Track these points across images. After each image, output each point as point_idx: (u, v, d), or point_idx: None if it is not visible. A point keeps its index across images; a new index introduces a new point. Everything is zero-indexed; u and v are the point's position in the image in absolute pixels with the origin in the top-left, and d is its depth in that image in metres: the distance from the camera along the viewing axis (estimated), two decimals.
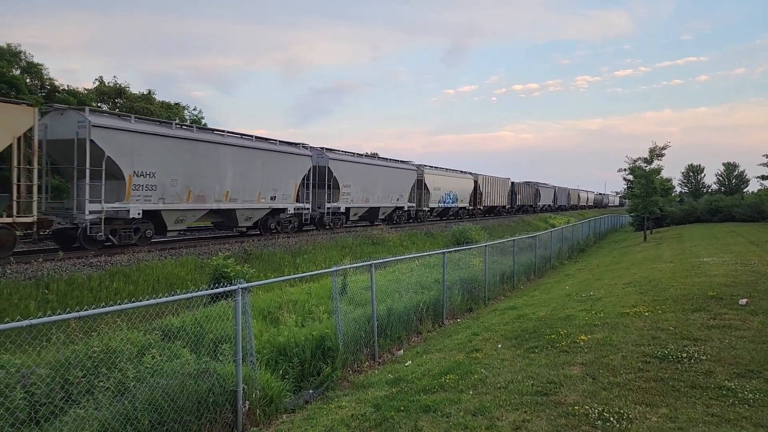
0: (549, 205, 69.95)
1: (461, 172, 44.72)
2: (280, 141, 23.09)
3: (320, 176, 25.28)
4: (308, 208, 24.45)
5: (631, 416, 4.64)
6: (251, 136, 21.65)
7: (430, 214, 38.95)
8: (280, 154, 22.53)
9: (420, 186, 37.17)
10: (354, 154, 30.54)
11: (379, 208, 31.74)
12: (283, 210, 23.07)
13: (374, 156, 41.81)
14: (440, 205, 39.89)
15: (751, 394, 4.99)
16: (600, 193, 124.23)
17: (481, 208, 47.73)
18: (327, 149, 27.13)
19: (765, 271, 12.06)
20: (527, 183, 61.27)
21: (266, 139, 22.64)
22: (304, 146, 24.67)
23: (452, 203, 41.93)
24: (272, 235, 22.50)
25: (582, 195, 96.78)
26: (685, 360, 5.97)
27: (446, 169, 42.57)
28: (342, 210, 28.01)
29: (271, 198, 21.93)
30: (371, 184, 30.18)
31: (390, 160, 34.97)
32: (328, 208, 26.50)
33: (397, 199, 34.24)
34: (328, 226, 26.51)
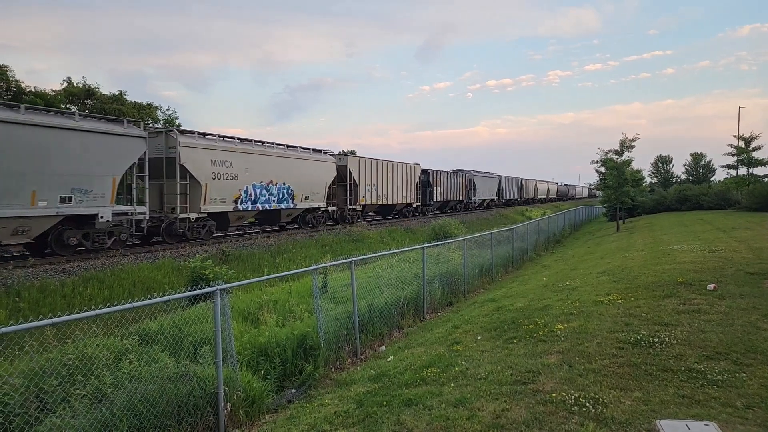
0: (492, 200, 57.87)
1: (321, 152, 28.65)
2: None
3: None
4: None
5: (606, 401, 4.77)
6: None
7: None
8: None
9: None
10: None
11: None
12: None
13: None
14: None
15: (719, 376, 5.19)
16: (565, 184, 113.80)
17: (358, 208, 30.66)
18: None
19: (731, 257, 12.47)
20: (456, 172, 48.80)
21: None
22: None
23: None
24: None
25: (541, 186, 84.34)
26: (657, 345, 6.16)
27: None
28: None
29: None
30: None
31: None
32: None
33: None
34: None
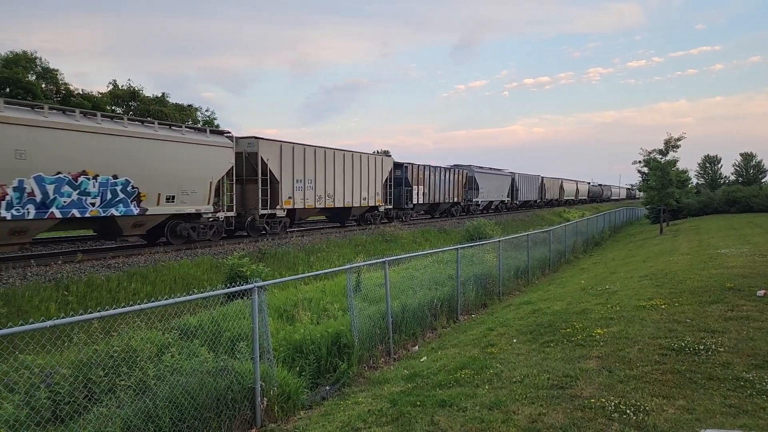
0: (503, 202, 48.28)
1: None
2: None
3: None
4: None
5: (647, 408, 4.62)
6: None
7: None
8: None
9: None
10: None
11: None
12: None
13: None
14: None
15: None
16: (599, 184, 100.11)
17: (279, 213, 23.58)
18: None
19: None
20: (451, 168, 39.31)
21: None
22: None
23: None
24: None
25: (568, 186, 73.43)
26: (702, 352, 5.93)
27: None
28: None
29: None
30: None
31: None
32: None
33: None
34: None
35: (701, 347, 6.06)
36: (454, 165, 41.65)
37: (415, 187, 32.83)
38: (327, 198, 24.92)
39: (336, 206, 25.72)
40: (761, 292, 8.53)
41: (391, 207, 30.86)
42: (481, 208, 43.66)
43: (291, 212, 23.29)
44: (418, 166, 33.51)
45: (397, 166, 31.94)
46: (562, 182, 69.99)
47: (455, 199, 38.80)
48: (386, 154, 42.18)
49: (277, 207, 21.90)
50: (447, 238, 26.92)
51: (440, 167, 36.67)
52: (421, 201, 33.83)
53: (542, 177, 60.66)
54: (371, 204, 28.69)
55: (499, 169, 49.26)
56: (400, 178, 31.91)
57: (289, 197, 22.52)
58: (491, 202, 46.01)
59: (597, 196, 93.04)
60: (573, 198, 75.86)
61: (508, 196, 49.42)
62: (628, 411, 4.58)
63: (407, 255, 11.22)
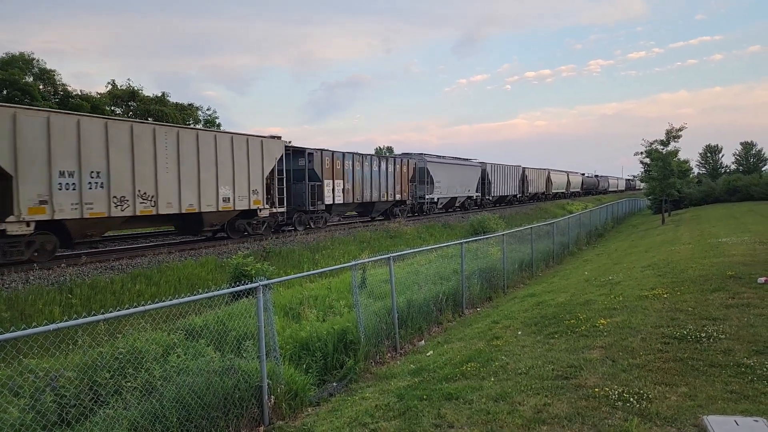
0: (470, 198, 41.18)
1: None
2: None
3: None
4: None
5: (650, 396, 4.67)
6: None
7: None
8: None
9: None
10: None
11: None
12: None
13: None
14: None
15: None
16: (595, 175, 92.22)
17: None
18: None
19: None
20: (404, 156, 33.91)
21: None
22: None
23: None
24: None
25: (557, 178, 65.01)
26: (704, 339, 5.97)
27: None
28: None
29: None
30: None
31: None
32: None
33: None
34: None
35: (703, 335, 6.11)
36: (403, 153, 35.58)
37: (329, 181, 24.76)
38: (140, 200, 16.09)
39: (161, 213, 16.78)
40: (762, 280, 8.57)
41: (282, 210, 22.29)
42: (439, 206, 36.74)
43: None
44: (335, 153, 25.42)
45: (298, 153, 23.85)
46: (549, 173, 61.83)
47: (399, 196, 30.84)
48: (277, 135, 25.34)
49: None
50: (452, 233, 26.97)
51: (371, 155, 29.17)
52: (341, 200, 25.80)
53: (523, 167, 53.49)
54: (241, 207, 19.77)
55: (466, 159, 42.26)
56: (301, 170, 23.72)
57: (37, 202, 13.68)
58: (454, 198, 38.42)
59: (593, 188, 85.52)
60: (564, 191, 68.21)
61: (477, 191, 42.04)
62: (631, 399, 4.63)
63: (412, 250, 11.25)
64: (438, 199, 35.98)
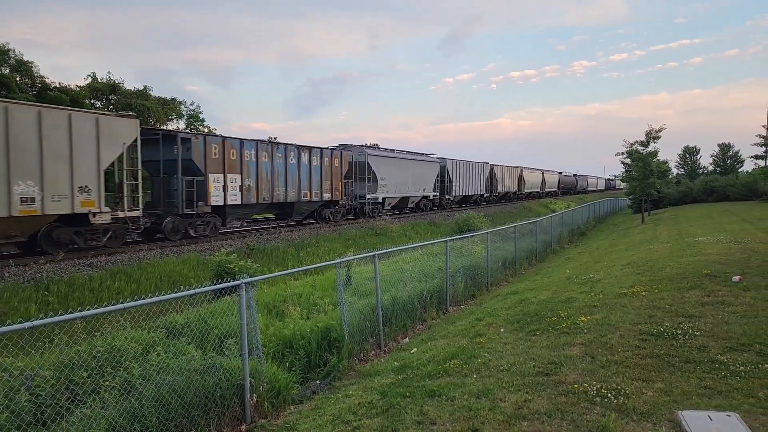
0: (425, 198, 36.40)
1: None
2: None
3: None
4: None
5: (628, 392, 4.76)
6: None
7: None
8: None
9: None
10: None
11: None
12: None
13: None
14: None
15: (742, 367, 5.14)
16: (573, 174, 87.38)
17: None
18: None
19: (758, 248, 12.21)
20: (341, 148, 28.01)
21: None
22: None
23: None
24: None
25: (531, 177, 60.35)
26: (680, 336, 6.11)
27: None
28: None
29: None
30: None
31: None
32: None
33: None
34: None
35: (679, 332, 6.24)
36: (340, 145, 29.38)
37: (217, 176, 19.17)
38: None
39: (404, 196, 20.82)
40: (736, 278, 8.77)
41: (135, 214, 16.35)
42: (387, 206, 31.69)
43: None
44: (227, 140, 19.59)
45: (170, 138, 18.42)
46: (521, 172, 57.38)
47: (328, 196, 25.40)
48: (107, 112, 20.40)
49: None
50: (437, 231, 27.08)
51: (285, 144, 23.00)
52: (237, 200, 20.07)
53: (492, 165, 48.66)
54: (56, 211, 14.07)
55: (422, 153, 37.27)
56: (173, 160, 18.19)
57: None
58: (405, 198, 33.55)
59: (570, 188, 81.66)
60: (538, 191, 64.33)
61: (435, 191, 37.64)
62: (609, 395, 4.71)
63: (397, 248, 11.28)
64: (384, 199, 30.69)
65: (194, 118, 50.19)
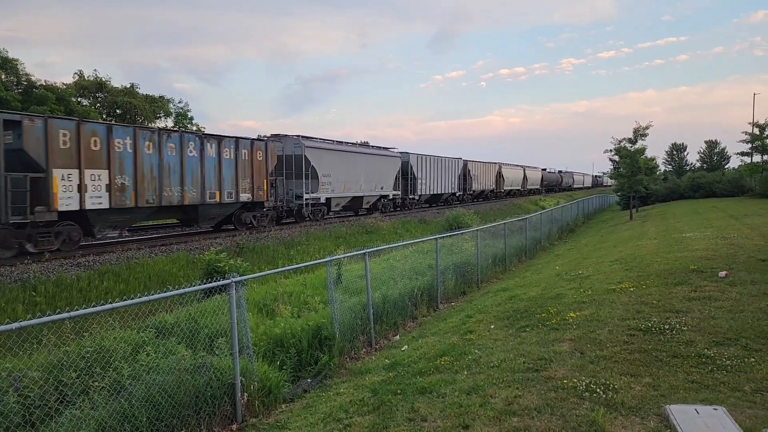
0: (383, 198, 31.82)
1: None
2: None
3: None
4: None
5: (616, 387, 4.82)
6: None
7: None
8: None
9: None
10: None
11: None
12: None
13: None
14: None
15: (728, 361, 5.22)
16: (559, 171, 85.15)
17: None
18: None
19: (743, 244, 12.38)
20: (273, 138, 24.54)
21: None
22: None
23: None
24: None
25: (510, 173, 56.34)
26: (668, 331, 6.18)
27: None
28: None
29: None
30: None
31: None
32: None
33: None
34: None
35: (666, 327, 6.32)
36: (272, 135, 25.17)
37: (69, 171, 14.52)
38: None
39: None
40: (723, 273, 8.89)
41: None
42: (333, 208, 27.78)
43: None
44: (84, 124, 15.10)
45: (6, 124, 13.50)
46: (500, 168, 53.19)
47: (248, 196, 20.69)
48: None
49: None
50: (427, 229, 27.14)
51: (180, 132, 18.73)
52: (102, 203, 15.39)
53: (465, 161, 44.37)
54: None
55: (379, 147, 33.45)
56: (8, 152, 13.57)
57: None
58: (358, 198, 29.39)
59: (555, 185, 78.61)
60: (519, 188, 60.63)
61: (395, 189, 33.07)
62: (598, 390, 4.76)
63: (387, 246, 11.29)
64: (328, 199, 26.45)
65: (182, 116, 49.84)
